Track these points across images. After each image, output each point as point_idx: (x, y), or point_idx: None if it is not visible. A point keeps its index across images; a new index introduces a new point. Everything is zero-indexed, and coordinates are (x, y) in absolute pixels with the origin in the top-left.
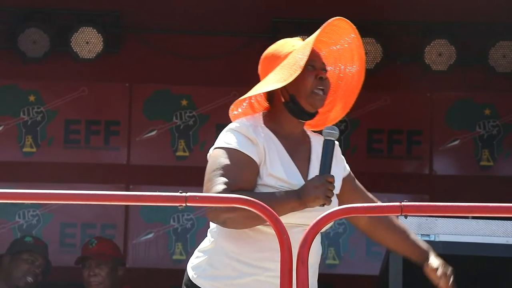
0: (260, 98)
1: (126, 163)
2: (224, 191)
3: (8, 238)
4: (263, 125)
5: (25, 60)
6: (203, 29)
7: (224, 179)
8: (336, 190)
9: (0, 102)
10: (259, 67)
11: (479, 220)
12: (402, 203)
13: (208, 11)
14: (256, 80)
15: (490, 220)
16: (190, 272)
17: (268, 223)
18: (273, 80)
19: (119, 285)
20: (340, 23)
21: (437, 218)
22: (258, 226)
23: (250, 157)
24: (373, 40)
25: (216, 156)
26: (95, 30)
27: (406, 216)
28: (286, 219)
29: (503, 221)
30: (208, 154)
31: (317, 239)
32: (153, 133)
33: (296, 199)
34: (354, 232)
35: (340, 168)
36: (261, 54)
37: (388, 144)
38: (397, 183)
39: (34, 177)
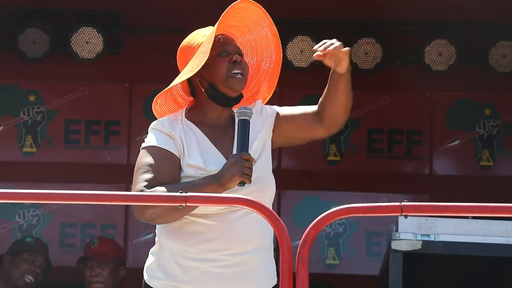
0: (183, 92)
1: (126, 163)
2: (144, 188)
3: (8, 238)
4: (184, 118)
5: (25, 60)
6: None
7: (145, 177)
8: (258, 154)
9: (0, 102)
10: (177, 61)
11: (479, 220)
12: (402, 203)
13: (208, 11)
14: None
15: (490, 220)
16: (145, 275)
17: (204, 212)
18: (186, 71)
19: (120, 285)
20: (246, 5)
21: (437, 218)
22: (193, 219)
23: (167, 150)
24: (373, 40)
25: (139, 157)
26: (95, 30)
27: (406, 216)
28: (214, 207)
29: (503, 221)
30: None
31: (258, 220)
32: None
33: (214, 181)
34: (354, 232)
35: (262, 126)
36: None
37: (388, 144)
38: (397, 183)
39: (34, 177)
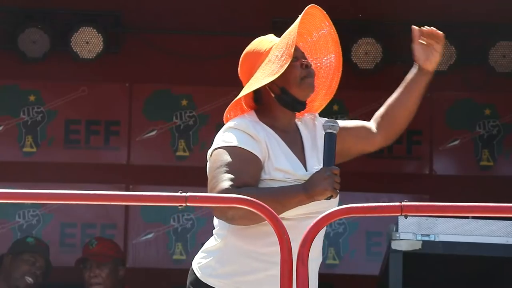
0: (248, 99)
1: (126, 163)
2: (230, 187)
3: (8, 238)
4: (259, 121)
5: (25, 60)
6: (203, 29)
7: (229, 175)
8: None
9: (0, 102)
10: (240, 68)
11: (479, 220)
12: (402, 203)
13: (208, 11)
14: None
15: (490, 220)
16: (198, 272)
17: (281, 215)
18: (263, 75)
19: (120, 285)
20: (313, 11)
21: (437, 218)
22: None
23: (252, 153)
24: (373, 40)
25: (218, 155)
26: (95, 30)
27: (406, 216)
28: (296, 211)
29: (503, 221)
30: (208, 155)
31: (320, 237)
32: (153, 133)
33: (303, 192)
34: (354, 232)
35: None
36: None
37: None
38: (397, 183)
39: (34, 177)
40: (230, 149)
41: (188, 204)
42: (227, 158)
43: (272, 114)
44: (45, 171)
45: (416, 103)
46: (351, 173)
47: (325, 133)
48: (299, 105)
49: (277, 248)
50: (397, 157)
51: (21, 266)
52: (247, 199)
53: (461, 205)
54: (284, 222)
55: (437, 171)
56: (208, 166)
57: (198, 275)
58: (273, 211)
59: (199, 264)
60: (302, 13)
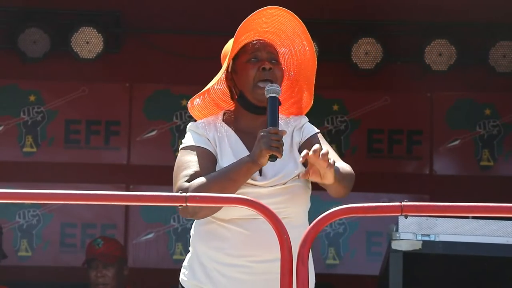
0: (225, 97)
1: (126, 163)
2: (185, 183)
3: (8, 238)
4: (221, 122)
5: (25, 60)
6: (203, 29)
7: (184, 173)
8: (300, 167)
9: (0, 102)
10: None
11: (479, 220)
12: (402, 203)
13: (208, 11)
14: None
15: (490, 220)
16: (181, 274)
17: (229, 217)
18: (211, 82)
19: (123, 285)
20: (277, 12)
21: (437, 218)
22: (220, 223)
23: (204, 147)
24: (373, 40)
25: (177, 158)
26: (95, 30)
27: (406, 216)
28: (240, 212)
29: (503, 221)
30: None
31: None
32: (153, 133)
33: (248, 159)
34: (354, 232)
35: (297, 138)
36: None
37: (388, 144)
38: (397, 183)
39: (34, 177)
40: (185, 149)
41: (188, 204)
42: (184, 158)
43: (237, 114)
44: (45, 171)
45: (344, 187)
46: None
47: (268, 97)
48: (256, 110)
49: (231, 251)
50: (397, 157)
51: None
52: (246, 199)
53: (461, 205)
54: (234, 226)
55: (437, 171)
56: None
57: (180, 276)
58: (272, 211)
59: (183, 265)
60: (255, 12)
